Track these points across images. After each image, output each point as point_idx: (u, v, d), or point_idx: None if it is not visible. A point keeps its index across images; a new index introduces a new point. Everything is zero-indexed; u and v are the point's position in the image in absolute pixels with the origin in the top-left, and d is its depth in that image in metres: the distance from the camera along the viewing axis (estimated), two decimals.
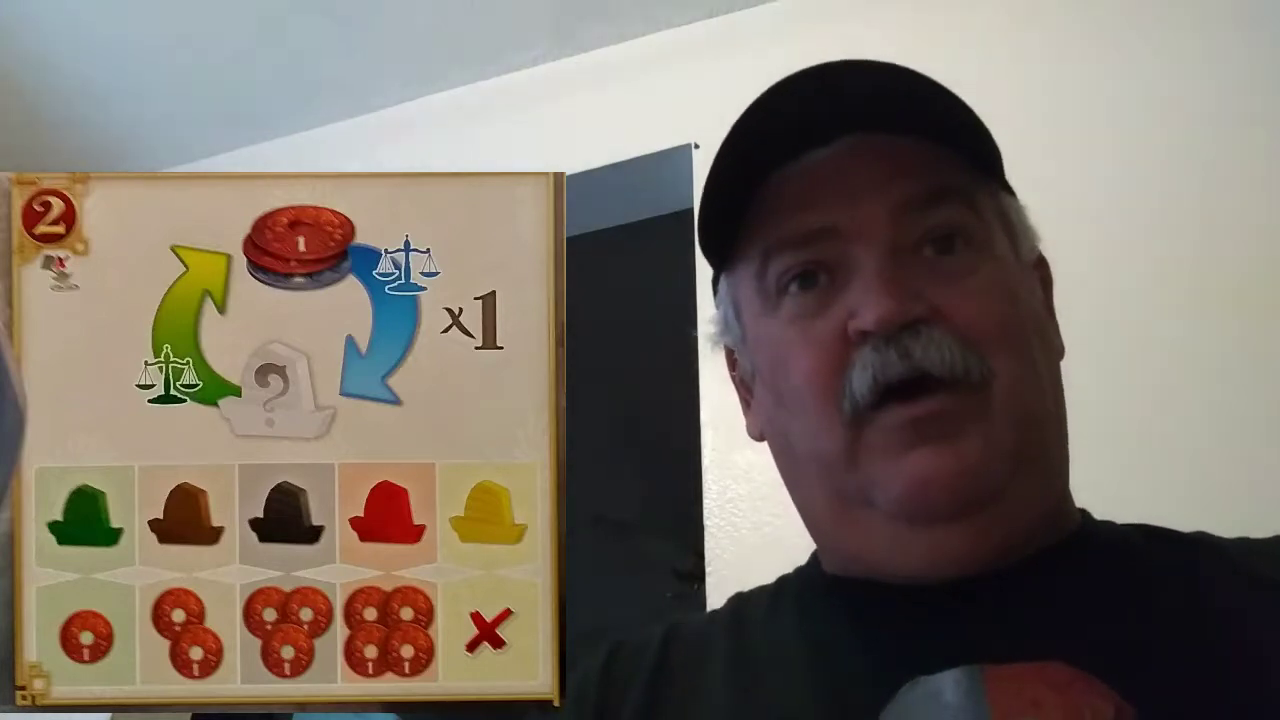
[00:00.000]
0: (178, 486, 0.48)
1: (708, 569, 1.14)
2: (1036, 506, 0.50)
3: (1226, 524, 0.55)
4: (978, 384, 0.48)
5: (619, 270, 2.17)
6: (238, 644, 0.48)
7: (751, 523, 1.14)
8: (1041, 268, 0.59)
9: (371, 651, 0.48)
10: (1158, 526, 0.55)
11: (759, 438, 0.59)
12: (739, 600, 0.59)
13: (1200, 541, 0.53)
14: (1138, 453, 1.05)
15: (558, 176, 0.52)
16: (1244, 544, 0.52)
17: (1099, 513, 0.56)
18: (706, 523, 1.17)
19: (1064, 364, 0.56)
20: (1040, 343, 0.53)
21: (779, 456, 0.57)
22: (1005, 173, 0.56)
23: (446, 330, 0.49)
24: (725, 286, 0.59)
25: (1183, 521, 0.56)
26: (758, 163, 0.54)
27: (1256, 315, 1.10)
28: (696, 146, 1.49)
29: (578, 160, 1.58)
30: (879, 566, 0.51)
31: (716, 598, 1.10)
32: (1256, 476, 1.01)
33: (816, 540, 0.57)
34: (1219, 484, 1.02)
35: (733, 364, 0.61)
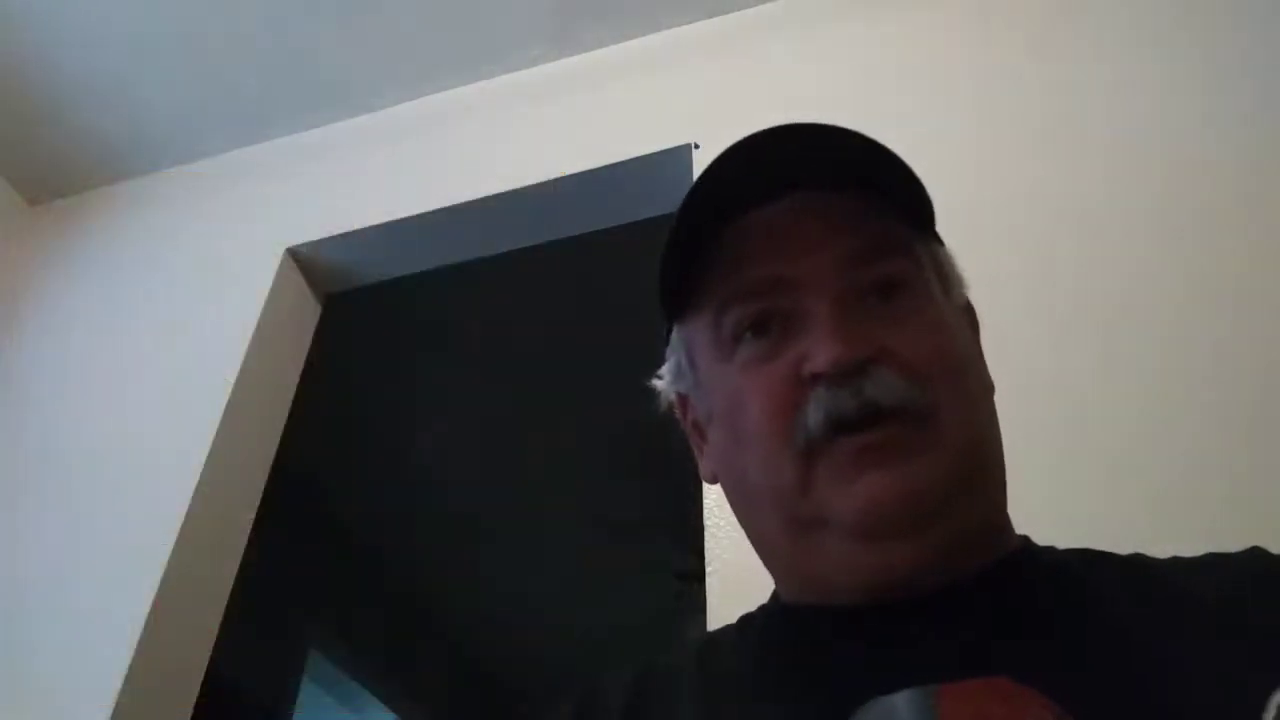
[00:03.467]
0: None
1: (708, 569, 1.14)
2: (977, 522, 0.54)
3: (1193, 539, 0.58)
4: (923, 415, 0.52)
5: (619, 270, 2.17)
6: None
7: None
8: (969, 313, 0.63)
9: None
10: (1095, 550, 0.58)
11: (712, 480, 0.62)
12: (707, 639, 0.62)
13: (1134, 562, 0.57)
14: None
15: None
16: (1176, 562, 0.56)
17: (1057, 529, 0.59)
18: (706, 523, 1.17)
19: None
20: (975, 377, 0.58)
21: (733, 494, 0.60)
22: (935, 225, 0.60)
23: None
24: (678, 336, 0.63)
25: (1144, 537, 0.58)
26: (709, 221, 0.58)
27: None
28: (696, 146, 1.49)
29: (578, 160, 1.58)
30: (832, 584, 0.54)
31: (716, 598, 1.10)
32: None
33: (772, 569, 0.59)
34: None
35: (684, 410, 0.65)
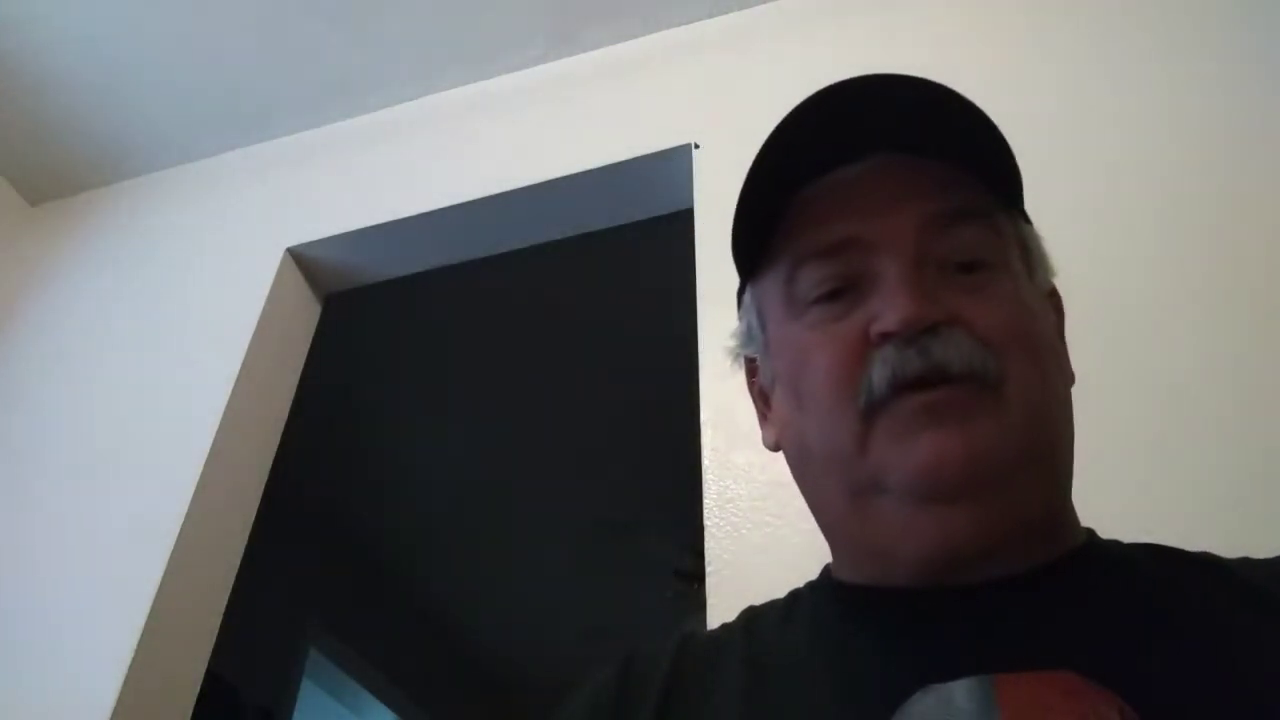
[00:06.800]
0: None
1: (708, 569, 1.13)
2: (1041, 502, 0.51)
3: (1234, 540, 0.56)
4: (992, 382, 0.50)
5: (619, 270, 2.17)
6: None
7: (751, 523, 1.14)
8: (1054, 298, 0.61)
9: None
10: (1163, 545, 0.56)
11: (774, 447, 0.60)
12: (751, 612, 0.60)
13: (1204, 560, 0.54)
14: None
15: None
16: (1246, 563, 0.54)
17: (1108, 526, 0.57)
18: (706, 523, 1.17)
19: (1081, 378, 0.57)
20: (1052, 357, 0.55)
21: (793, 459, 0.58)
22: (1024, 201, 0.58)
23: None
24: (750, 297, 0.61)
25: (1189, 536, 0.57)
26: (790, 177, 0.56)
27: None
28: (696, 146, 1.49)
29: (578, 160, 1.58)
30: (890, 555, 0.51)
31: (717, 598, 1.10)
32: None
33: (831, 539, 0.58)
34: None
35: (753, 374, 0.63)
